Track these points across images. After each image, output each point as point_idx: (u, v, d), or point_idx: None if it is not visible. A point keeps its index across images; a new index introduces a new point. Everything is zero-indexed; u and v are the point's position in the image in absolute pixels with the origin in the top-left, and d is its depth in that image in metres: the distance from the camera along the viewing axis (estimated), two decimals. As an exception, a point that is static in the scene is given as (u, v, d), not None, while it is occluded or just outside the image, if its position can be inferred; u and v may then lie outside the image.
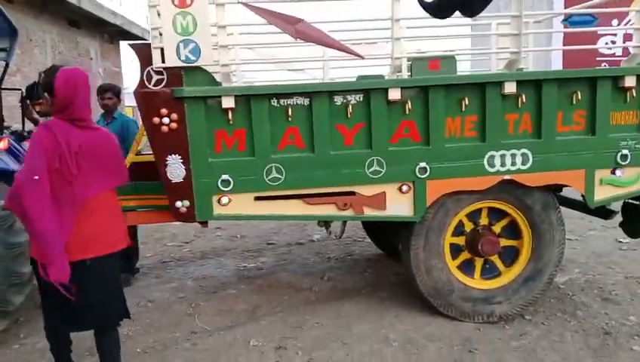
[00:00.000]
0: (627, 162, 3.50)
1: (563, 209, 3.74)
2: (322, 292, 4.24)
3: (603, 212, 4.07)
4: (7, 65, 4.55)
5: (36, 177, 2.44)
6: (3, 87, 4.39)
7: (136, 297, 4.26)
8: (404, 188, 3.39)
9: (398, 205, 3.43)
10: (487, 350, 3.23)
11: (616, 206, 3.90)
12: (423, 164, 3.34)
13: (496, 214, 3.66)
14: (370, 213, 3.43)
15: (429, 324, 3.56)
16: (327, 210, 3.40)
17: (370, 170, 3.33)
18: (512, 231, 3.68)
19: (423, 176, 3.36)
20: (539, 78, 3.36)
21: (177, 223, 6.64)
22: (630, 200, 3.89)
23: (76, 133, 2.55)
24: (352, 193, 3.38)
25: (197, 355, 3.19)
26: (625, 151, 3.48)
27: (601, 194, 3.56)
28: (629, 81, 3.40)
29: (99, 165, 2.61)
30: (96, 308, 2.62)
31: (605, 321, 3.64)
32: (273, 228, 6.48)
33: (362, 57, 3.19)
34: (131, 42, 3.15)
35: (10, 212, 2.91)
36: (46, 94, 2.78)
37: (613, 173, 3.55)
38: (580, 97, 3.40)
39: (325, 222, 4.02)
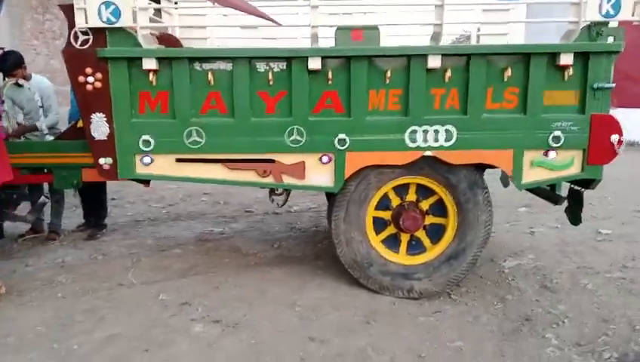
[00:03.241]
0: (559, 144, 3.37)
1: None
2: (265, 258, 4.35)
3: (552, 197, 3.95)
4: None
5: None
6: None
7: (92, 250, 4.52)
8: (325, 158, 3.42)
9: (318, 175, 3.46)
10: (386, 322, 3.25)
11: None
12: (342, 136, 3.35)
13: (424, 191, 3.63)
14: (289, 181, 3.48)
15: (345, 294, 3.60)
16: (248, 176, 3.47)
17: (290, 139, 3.37)
18: (440, 208, 3.64)
19: (342, 148, 3.37)
20: (466, 53, 3.27)
21: (170, 186, 7.00)
22: (573, 186, 3.75)
23: None
24: (272, 161, 3.44)
25: (103, 303, 3.39)
26: (557, 133, 3.35)
27: (530, 176, 3.46)
28: (565, 59, 3.25)
29: None
30: None
31: (532, 308, 3.56)
32: (258, 197, 6.62)
33: (280, 24, 3.21)
34: (60, 3, 3.31)
35: None
36: None
37: (545, 155, 3.43)
38: (510, 74, 3.29)
39: (270, 191, 4.10)
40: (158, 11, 4.56)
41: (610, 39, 3.26)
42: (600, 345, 3.08)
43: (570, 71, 3.28)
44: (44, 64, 10.37)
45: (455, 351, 2.98)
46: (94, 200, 4.99)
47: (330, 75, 3.29)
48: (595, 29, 3.24)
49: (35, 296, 3.46)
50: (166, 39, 4.21)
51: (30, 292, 3.49)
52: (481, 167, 3.54)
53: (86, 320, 3.17)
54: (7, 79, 4.53)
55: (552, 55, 3.27)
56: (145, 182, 4.09)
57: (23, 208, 4.59)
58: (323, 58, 3.26)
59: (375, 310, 3.41)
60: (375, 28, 3.39)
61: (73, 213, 5.69)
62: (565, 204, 3.89)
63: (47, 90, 4.60)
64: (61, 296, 3.51)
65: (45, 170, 3.92)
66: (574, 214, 3.78)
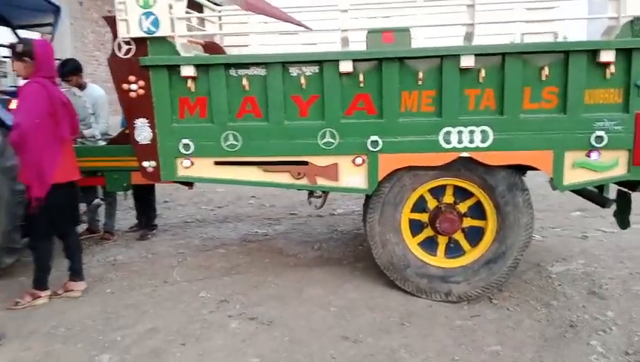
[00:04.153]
0: (602, 144, 3.24)
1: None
2: (305, 259, 4.41)
3: (599, 199, 3.81)
4: (52, 38, 5.19)
5: (37, 120, 3.26)
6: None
7: (143, 250, 4.74)
8: (358, 160, 3.44)
9: (352, 177, 3.49)
10: (421, 324, 3.22)
11: None
12: (374, 138, 3.37)
13: (461, 193, 3.58)
14: (323, 183, 3.53)
15: (382, 296, 3.60)
16: (282, 178, 3.55)
17: (323, 142, 3.42)
18: (479, 211, 3.57)
19: (374, 150, 3.38)
20: (500, 52, 3.21)
21: (219, 189, 7.22)
22: (621, 188, 3.60)
23: (54, 88, 3.46)
24: (306, 163, 3.50)
25: (147, 299, 3.56)
26: (600, 133, 3.23)
27: (572, 178, 3.34)
28: (606, 56, 3.13)
29: (67, 114, 3.52)
30: (67, 215, 3.61)
31: (577, 314, 3.44)
32: (303, 200, 6.69)
33: (309, 29, 3.27)
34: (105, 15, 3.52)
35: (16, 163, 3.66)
36: (26, 58, 3.40)
37: (588, 155, 3.31)
38: (548, 73, 3.20)
39: (309, 193, 4.17)
40: (203, 20, 4.75)
41: (656, 34, 3.11)
42: (650, 354, 2.94)
43: (612, 68, 3.15)
44: (105, 74, 10.90)
45: (491, 355, 2.92)
46: (145, 202, 5.23)
47: (361, 78, 3.32)
48: (637, 24, 3.10)
49: (85, 291, 3.67)
50: (210, 47, 4.38)
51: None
52: (520, 169, 3.45)
53: (130, 314, 3.34)
54: (62, 84, 4.83)
55: (592, 52, 3.16)
56: (188, 184, 4.26)
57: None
58: (354, 61, 3.29)
59: (411, 312, 3.39)
60: (406, 30, 3.38)
61: (127, 215, 5.98)
62: (614, 207, 3.73)
63: (99, 98, 4.87)
64: (109, 291, 3.71)
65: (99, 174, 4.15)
66: (622, 217, 3.62)
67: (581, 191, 4.04)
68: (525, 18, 4.23)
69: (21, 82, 3.67)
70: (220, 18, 4.96)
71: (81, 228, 5.17)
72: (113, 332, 3.10)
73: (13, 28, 5.31)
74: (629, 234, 5.13)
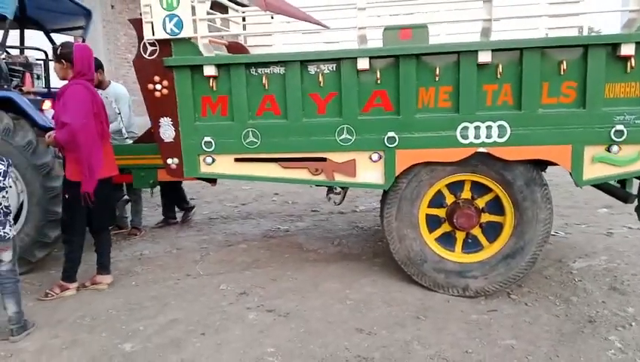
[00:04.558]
0: (622, 139, 3.21)
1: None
2: (324, 254, 4.47)
3: (621, 194, 3.77)
4: (83, 41, 5.39)
5: (85, 120, 3.46)
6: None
7: (168, 245, 4.89)
8: (375, 156, 3.49)
9: (369, 173, 3.54)
10: (437, 318, 3.25)
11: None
12: (391, 134, 3.41)
13: (479, 188, 3.59)
14: (341, 179, 3.59)
15: (399, 291, 3.64)
16: (301, 174, 3.62)
17: (341, 138, 3.48)
18: (496, 206, 3.58)
19: (391, 146, 3.42)
20: (517, 47, 3.21)
21: (244, 187, 7.36)
22: (643, 183, 3.55)
23: (94, 89, 3.70)
24: (324, 159, 3.56)
25: (169, 292, 3.68)
26: (620, 127, 3.20)
27: (592, 172, 3.32)
28: (627, 50, 3.10)
29: (104, 112, 3.73)
30: (107, 210, 3.80)
31: (597, 310, 3.41)
32: (324, 197, 6.75)
33: (327, 27, 3.33)
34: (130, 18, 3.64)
35: (50, 159, 3.95)
36: (63, 61, 3.59)
37: (608, 150, 3.28)
38: (567, 67, 3.19)
39: (328, 189, 4.24)
40: (228, 21, 4.86)
41: (680, 25, 3.06)
42: (669, 351, 2.91)
43: (633, 62, 3.12)
44: (136, 75, 11.19)
45: (505, 349, 2.93)
46: (174, 197, 5.43)
47: (378, 75, 3.36)
48: None
49: (111, 284, 3.81)
50: (234, 47, 4.49)
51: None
52: (539, 164, 3.44)
53: (152, 306, 3.46)
54: None
55: (612, 46, 3.13)
56: (211, 181, 4.38)
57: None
58: (371, 58, 3.33)
59: (427, 306, 3.42)
60: (424, 26, 3.41)
61: (155, 212, 6.16)
62: (637, 202, 3.68)
63: (120, 96, 5.00)
64: (134, 284, 3.85)
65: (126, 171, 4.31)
66: (644, 212, 3.57)
67: (603, 187, 4.01)
68: (548, 12, 4.21)
69: (59, 83, 3.83)
70: (243, 19, 5.07)
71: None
72: (136, 323, 3.22)
73: (47, 31, 5.53)
74: (658, 231, 5.06)
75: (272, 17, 4.82)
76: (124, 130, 4.92)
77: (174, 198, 5.55)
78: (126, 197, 5.19)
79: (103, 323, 3.24)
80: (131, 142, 4.78)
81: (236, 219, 5.91)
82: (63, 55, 3.55)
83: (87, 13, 5.38)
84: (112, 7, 11.20)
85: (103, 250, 3.85)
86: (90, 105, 3.52)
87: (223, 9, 4.84)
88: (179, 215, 5.73)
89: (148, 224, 5.61)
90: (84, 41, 5.46)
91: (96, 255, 3.85)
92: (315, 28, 3.62)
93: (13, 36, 5.42)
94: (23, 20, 5.25)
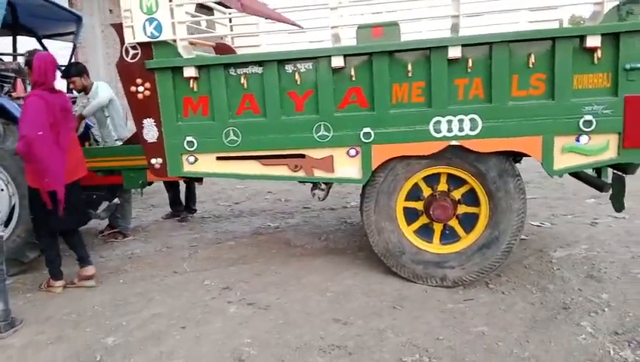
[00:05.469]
0: (591, 128, 3.28)
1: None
2: (311, 250, 4.57)
3: (597, 183, 3.85)
4: (75, 46, 5.50)
5: (40, 133, 3.45)
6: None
7: (159, 244, 5.00)
8: (352, 152, 3.58)
9: (347, 168, 3.63)
10: (413, 308, 3.34)
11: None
12: (367, 129, 3.49)
13: (455, 181, 3.67)
14: (319, 174, 3.68)
15: (379, 282, 3.73)
16: (281, 170, 3.72)
17: (318, 135, 3.57)
18: (472, 198, 3.66)
19: (367, 141, 3.51)
20: (486, 41, 3.29)
21: (238, 186, 7.46)
22: (616, 172, 3.62)
23: (53, 97, 3.65)
24: (303, 156, 3.65)
25: (155, 288, 3.79)
26: (589, 117, 3.27)
27: (562, 162, 3.40)
28: (593, 41, 3.17)
29: (68, 118, 3.78)
30: (75, 212, 3.83)
31: (572, 297, 3.49)
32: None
33: (302, 27, 3.43)
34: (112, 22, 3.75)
35: None
36: (27, 69, 3.79)
37: (577, 140, 3.35)
38: (535, 60, 3.27)
39: (313, 186, 4.32)
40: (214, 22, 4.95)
41: (644, 17, 3.13)
42: (640, 335, 2.98)
43: (599, 53, 3.19)
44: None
45: (476, 335, 3.02)
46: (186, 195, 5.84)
47: (353, 72, 3.45)
48: (624, 9, 3.13)
49: (100, 282, 3.93)
50: (221, 48, 4.58)
51: (97, 279, 3.97)
52: (512, 155, 3.52)
53: (137, 301, 3.57)
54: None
55: (579, 38, 3.20)
56: (197, 180, 4.49)
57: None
58: (345, 56, 3.42)
59: (405, 297, 3.51)
60: (395, 24, 3.49)
61: (150, 212, 6.29)
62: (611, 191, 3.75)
63: (97, 94, 5.03)
64: (122, 281, 3.97)
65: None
66: (617, 201, 3.64)
67: (581, 176, 4.08)
68: (521, 6, 4.27)
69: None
70: (230, 20, 5.16)
71: (104, 224, 5.48)
72: (120, 318, 3.33)
73: (39, 38, 5.66)
74: (640, 220, 5.12)
75: (259, 19, 4.92)
76: (113, 134, 5.03)
77: (186, 196, 5.87)
78: (117, 200, 5.29)
79: (88, 318, 3.35)
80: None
81: (228, 217, 6.01)
82: (27, 63, 3.74)
83: (78, 19, 5.50)
84: (111, 11, 11.32)
85: (75, 247, 3.96)
86: (44, 116, 3.52)
87: (210, 11, 4.94)
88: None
89: (141, 224, 5.72)
90: (75, 46, 5.58)
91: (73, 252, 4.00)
92: (297, 29, 3.72)
93: (6, 43, 5.57)
94: (16, 27, 5.37)
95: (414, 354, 2.80)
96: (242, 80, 3.59)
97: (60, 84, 4.97)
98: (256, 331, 3.07)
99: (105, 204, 5.21)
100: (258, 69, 3.58)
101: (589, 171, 4.00)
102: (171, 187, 5.85)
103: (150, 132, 3.76)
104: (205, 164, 3.78)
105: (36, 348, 3.02)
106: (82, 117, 4.93)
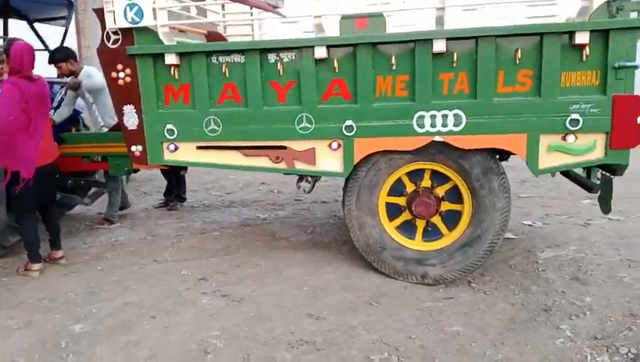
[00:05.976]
0: (578, 128, 3.20)
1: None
2: (295, 242, 4.52)
3: (586, 183, 3.77)
4: (66, 31, 5.47)
5: (11, 117, 3.51)
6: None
7: (145, 232, 4.97)
8: (334, 145, 3.51)
9: (328, 161, 3.56)
10: (390, 304, 3.28)
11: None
12: (349, 122, 3.43)
13: (439, 177, 3.60)
14: (301, 167, 3.62)
15: (359, 278, 3.67)
16: (261, 162, 3.66)
17: (300, 127, 3.51)
18: (456, 195, 3.59)
19: (349, 134, 3.45)
20: (472, 35, 3.21)
21: (231, 176, 7.41)
22: (604, 173, 3.54)
23: (29, 85, 3.72)
24: (284, 147, 3.60)
25: (132, 276, 3.76)
26: (576, 116, 3.19)
27: (548, 161, 3.32)
28: (581, 38, 3.08)
29: (43, 105, 3.86)
30: (46, 194, 3.99)
31: (555, 299, 3.42)
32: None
33: (284, 16, 3.36)
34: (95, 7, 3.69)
35: None
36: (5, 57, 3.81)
37: (564, 139, 3.27)
38: (522, 56, 3.18)
39: (299, 178, 4.27)
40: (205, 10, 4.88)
41: (634, 14, 3.04)
42: (620, 340, 2.92)
43: (588, 50, 3.10)
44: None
45: (450, 335, 2.96)
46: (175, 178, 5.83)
47: (336, 64, 3.38)
48: (614, 5, 3.04)
49: (79, 268, 3.92)
50: (213, 36, 4.52)
51: (77, 265, 3.96)
52: (497, 153, 3.44)
53: (112, 289, 3.54)
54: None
55: (568, 34, 3.12)
56: (181, 168, 4.45)
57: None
58: (328, 47, 3.35)
59: (383, 293, 3.45)
60: (380, 15, 3.41)
61: (142, 199, 6.27)
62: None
63: (94, 83, 4.97)
64: (100, 268, 3.94)
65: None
66: (604, 202, 3.56)
67: (570, 176, 4.00)
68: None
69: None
70: (223, 7, 5.09)
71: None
72: (92, 305, 3.30)
73: (30, 21, 5.62)
74: (633, 222, 5.02)
75: (252, 8, 4.85)
76: (99, 119, 4.99)
77: (176, 185, 5.86)
78: (99, 189, 5.28)
79: (59, 305, 3.33)
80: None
81: (218, 207, 5.97)
82: (5, 51, 3.76)
83: (70, 4, 5.46)
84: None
85: (49, 229, 4.14)
86: (16, 104, 3.64)
87: (201, -3, 4.86)
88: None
89: (130, 212, 5.70)
90: (67, 30, 5.54)
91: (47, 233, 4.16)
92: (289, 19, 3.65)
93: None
94: (7, 10, 5.34)
95: (383, 352, 2.75)
96: (224, 68, 3.52)
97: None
98: (227, 323, 3.03)
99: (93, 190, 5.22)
100: (240, 58, 3.51)
101: (579, 171, 3.92)
102: (169, 175, 5.81)
103: (131, 119, 3.71)
104: (186, 152, 3.73)
105: (4, 334, 2.99)
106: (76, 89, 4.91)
